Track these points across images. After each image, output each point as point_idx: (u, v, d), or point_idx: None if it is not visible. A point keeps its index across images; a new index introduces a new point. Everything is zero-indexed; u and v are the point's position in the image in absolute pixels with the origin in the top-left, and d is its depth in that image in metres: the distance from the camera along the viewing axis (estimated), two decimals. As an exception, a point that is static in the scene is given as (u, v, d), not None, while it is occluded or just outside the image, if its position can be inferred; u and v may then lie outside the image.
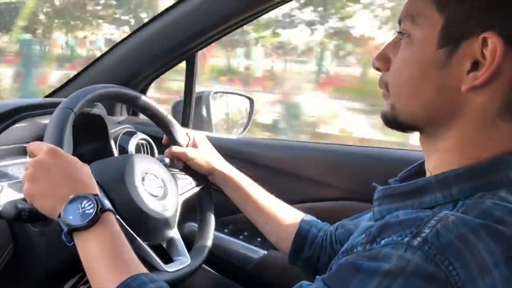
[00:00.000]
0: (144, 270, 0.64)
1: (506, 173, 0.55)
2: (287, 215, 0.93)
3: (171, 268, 0.82)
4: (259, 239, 1.17)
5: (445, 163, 0.57)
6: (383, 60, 0.62)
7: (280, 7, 1.11)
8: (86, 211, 0.65)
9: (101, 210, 0.65)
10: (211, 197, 0.99)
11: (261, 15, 1.14)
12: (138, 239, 0.78)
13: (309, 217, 0.93)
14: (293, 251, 0.90)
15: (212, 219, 0.97)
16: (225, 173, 0.96)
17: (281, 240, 0.92)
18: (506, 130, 0.55)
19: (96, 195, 0.67)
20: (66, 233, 0.65)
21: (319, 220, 0.93)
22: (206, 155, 0.97)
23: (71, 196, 0.66)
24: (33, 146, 0.72)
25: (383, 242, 0.50)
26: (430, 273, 0.46)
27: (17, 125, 0.93)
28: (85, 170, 0.71)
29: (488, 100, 0.54)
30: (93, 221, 0.64)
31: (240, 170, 1.19)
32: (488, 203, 0.52)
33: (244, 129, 1.43)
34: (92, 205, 0.65)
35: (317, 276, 0.54)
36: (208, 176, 0.98)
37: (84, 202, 0.65)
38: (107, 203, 0.68)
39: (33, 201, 0.68)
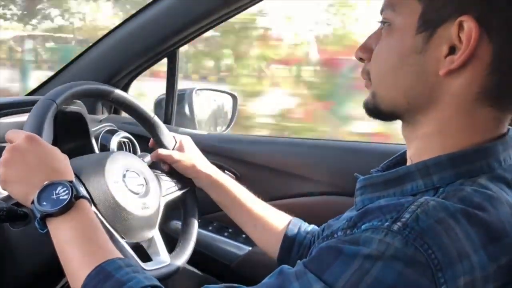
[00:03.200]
0: (120, 255, 0.63)
1: (486, 161, 0.55)
2: (274, 218, 0.92)
3: (148, 266, 0.81)
4: (243, 236, 1.17)
5: (426, 150, 0.58)
6: (366, 51, 0.63)
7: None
8: (61, 197, 0.64)
9: (76, 196, 0.64)
10: (195, 201, 0.98)
11: (242, 11, 1.14)
12: (115, 233, 0.76)
13: (296, 220, 0.92)
14: (281, 254, 0.89)
15: (195, 223, 0.96)
16: (211, 176, 0.95)
17: (269, 243, 0.92)
18: (484, 116, 0.56)
19: (71, 182, 0.66)
20: (39, 219, 0.64)
21: (306, 223, 0.92)
22: (192, 159, 0.96)
23: (45, 183, 0.65)
24: (11, 133, 0.71)
25: (363, 227, 0.51)
26: (410, 257, 0.47)
27: None
28: (63, 159, 0.70)
29: (466, 85, 0.54)
30: (67, 207, 0.63)
31: (224, 167, 1.19)
32: (468, 189, 0.52)
33: (228, 126, 1.43)
34: (67, 191, 0.64)
35: (298, 261, 0.54)
36: (193, 179, 0.97)
37: (59, 188, 0.64)
38: (82, 190, 0.67)
39: (6, 187, 0.68)
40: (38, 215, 0.64)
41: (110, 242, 0.65)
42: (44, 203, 0.64)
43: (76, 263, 0.61)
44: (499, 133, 0.57)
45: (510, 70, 0.54)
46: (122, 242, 0.77)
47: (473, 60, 0.53)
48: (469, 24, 0.52)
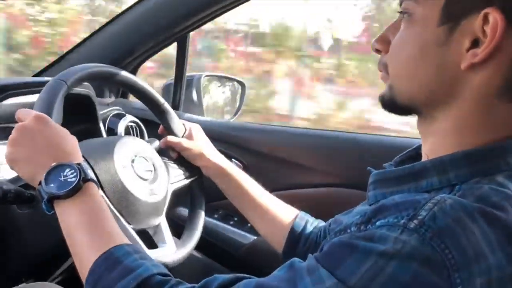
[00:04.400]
0: (127, 241, 0.63)
1: (504, 159, 0.54)
2: (281, 211, 0.91)
3: (154, 254, 0.80)
4: (249, 225, 1.16)
5: (442, 146, 0.56)
6: (383, 42, 0.61)
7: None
8: (68, 180, 0.63)
9: (84, 179, 0.63)
10: (202, 189, 0.98)
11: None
12: (122, 219, 0.76)
13: (303, 214, 0.91)
14: (287, 248, 0.89)
15: (202, 213, 0.96)
16: (219, 166, 0.94)
17: (274, 236, 0.91)
18: (504, 112, 0.54)
19: (79, 164, 0.65)
20: (46, 201, 0.63)
21: (313, 217, 0.92)
22: (201, 147, 0.95)
23: (53, 164, 0.64)
24: (21, 112, 0.70)
25: (378, 223, 0.50)
26: (426, 256, 0.46)
27: (3, 103, 0.90)
28: (72, 140, 0.69)
29: (487, 79, 0.53)
30: (75, 190, 0.62)
31: (231, 155, 1.18)
32: (485, 188, 0.51)
33: (236, 113, 1.42)
34: (75, 173, 0.63)
35: (309, 254, 0.53)
36: (201, 168, 0.96)
37: (67, 170, 0.64)
38: (91, 173, 0.66)
39: (14, 166, 0.67)
40: (45, 197, 0.63)
41: (117, 227, 0.64)
42: (52, 184, 0.63)
43: (84, 247, 0.61)
44: None
45: None
46: (129, 228, 0.76)
47: (497, 54, 0.51)
48: (494, 17, 0.50)
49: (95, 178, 0.66)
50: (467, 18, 0.52)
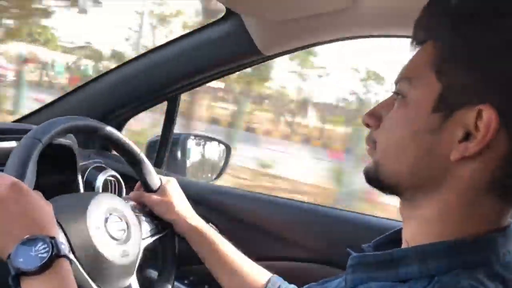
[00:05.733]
0: None
1: (485, 254, 0.53)
2: (253, 274, 0.89)
3: None
4: (220, 294, 1.12)
5: (423, 233, 0.55)
6: (375, 118, 0.61)
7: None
8: (39, 255, 0.59)
9: (56, 255, 0.60)
10: (174, 246, 0.95)
11: (248, 67, 1.15)
12: (93, 285, 0.73)
13: (276, 278, 0.89)
14: None
15: (172, 270, 0.92)
16: (190, 224, 0.92)
17: None
18: (488, 207, 0.54)
19: (53, 238, 0.62)
20: (13, 276, 0.59)
21: (286, 282, 0.89)
22: (174, 203, 0.93)
23: (25, 237, 0.61)
24: None
25: None
26: None
27: None
28: (47, 209, 0.66)
29: (475, 173, 0.52)
30: (45, 267, 0.59)
31: (207, 219, 1.16)
32: (465, 284, 0.50)
33: (218, 176, 1.41)
34: (47, 248, 0.60)
35: None
36: (173, 225, 0.94)
37: (39, 244, 0.60)
38: (64, 248, 0.62)
39: None
40: (13, 272, 0.59)
41: None
42: (21, 259, 0.59)
43: None
44: (501, 226, 0.55)
45: None
46: None
47: (486, 150, 0.51)
48: (489, 114, 0.50)
49: (68, 254, 0.63)
50: (461, 110, 0.52)
